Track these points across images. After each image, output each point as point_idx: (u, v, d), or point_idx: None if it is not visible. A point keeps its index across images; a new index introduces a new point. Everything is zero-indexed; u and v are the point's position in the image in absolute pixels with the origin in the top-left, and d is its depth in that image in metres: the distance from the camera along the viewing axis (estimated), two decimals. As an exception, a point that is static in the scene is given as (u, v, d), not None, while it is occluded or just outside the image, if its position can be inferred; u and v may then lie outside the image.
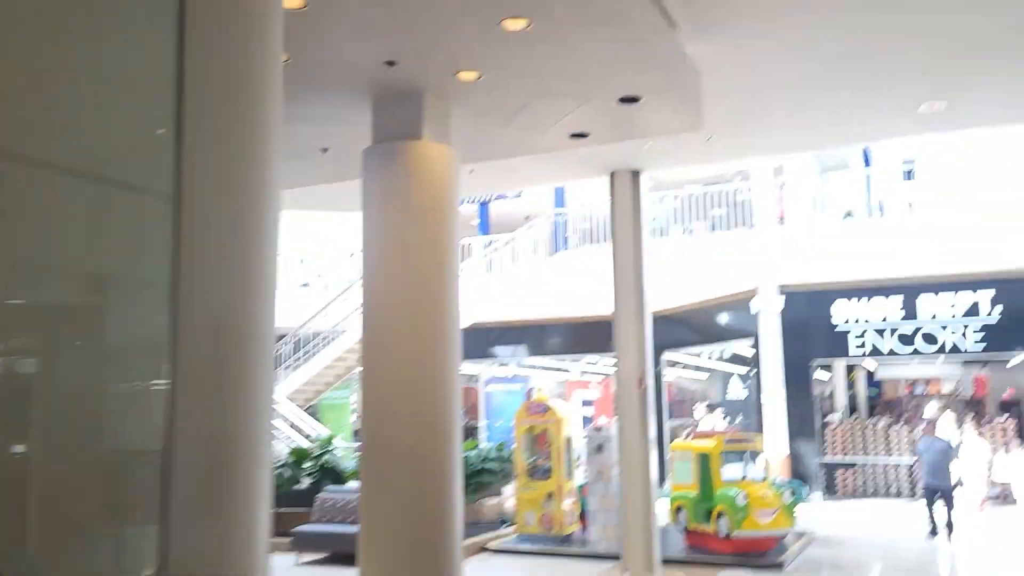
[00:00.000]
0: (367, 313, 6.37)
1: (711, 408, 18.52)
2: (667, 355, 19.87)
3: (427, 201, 6.22)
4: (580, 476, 11.79)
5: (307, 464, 12.49)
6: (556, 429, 11.46)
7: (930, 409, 15.31)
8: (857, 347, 16.25)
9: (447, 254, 6.30)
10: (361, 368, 6.45)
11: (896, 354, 16.09)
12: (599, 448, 11.03)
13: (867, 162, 22.46)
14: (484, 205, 22.23)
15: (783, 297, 16.28)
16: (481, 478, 12.54)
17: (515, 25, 5.29)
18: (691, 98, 6.57)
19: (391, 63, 5.86)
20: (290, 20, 3.80)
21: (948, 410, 15.20)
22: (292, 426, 17.01)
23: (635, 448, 9.52)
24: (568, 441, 11.57)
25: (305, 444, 15.65)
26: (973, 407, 21.02)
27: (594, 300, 18.12)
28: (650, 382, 9.61)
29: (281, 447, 14.48)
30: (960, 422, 15.36)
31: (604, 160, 9.22)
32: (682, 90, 6.37)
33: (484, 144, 7.57)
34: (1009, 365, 18.97)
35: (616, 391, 9.74)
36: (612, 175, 9.63)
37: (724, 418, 19.01)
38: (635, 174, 9.56)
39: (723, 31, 6.24)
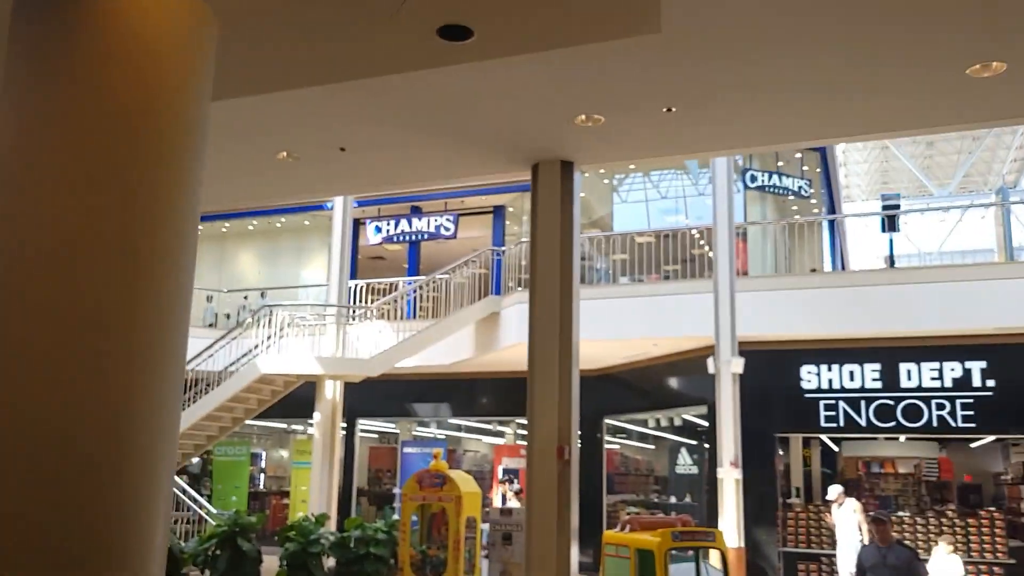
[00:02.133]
0: None
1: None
2: (608, 421, 17.12)
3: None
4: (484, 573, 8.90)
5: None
6: (456, 509, 8.57)
7: (832, 491, 12.89)
8: (828, 419, 13.65)
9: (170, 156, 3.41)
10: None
11: (877, 429, 13.49)
12: (507, 538, 8.17)
13: (832, 208, 20.21)
14: (414, 246, 19.55)
15: (742, 359, 13.68)
16: (364, 567, 9.58)
17: None
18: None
19: None
20: None
21: (850, 498, 12.87)
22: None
23: (550, 539, 6.73)
24: (471, 525, 8.70)
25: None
26: (935, 492, 18.59)
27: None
28: (576, 454, 6.88)
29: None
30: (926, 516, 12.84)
31: (525, 146, 6.63)
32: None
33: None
34: (974, 446, 16.58)
35: (529, 465, 6.96)
36: (535, 168, 7.01)
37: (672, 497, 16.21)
38: (566, 166, 6.94)
39: None
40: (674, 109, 5.89)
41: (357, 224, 19.85)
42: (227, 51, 4.56)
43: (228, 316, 20.13)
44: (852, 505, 12.68)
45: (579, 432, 7.15)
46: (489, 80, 5.46)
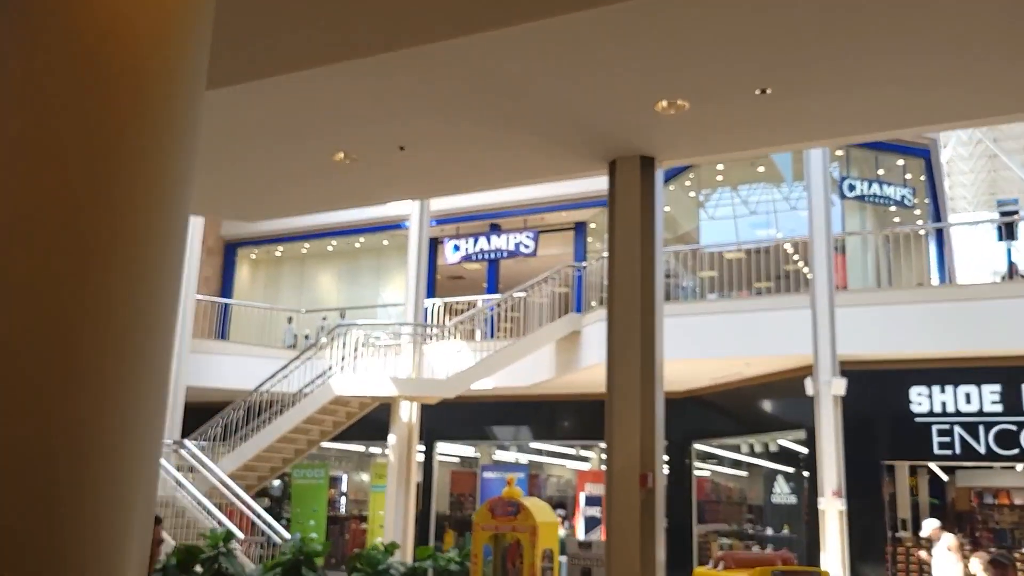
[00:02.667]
0: None
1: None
2: (697, 446, 16.15)
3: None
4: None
5: (197, 569, 9.09)
6: (531, 540, 7.89)
7: (926, 526, 11.43)
8: (942, 446, 12.40)
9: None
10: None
11: (998, 456, 12.19)
12: (587, 573, 7.42)
13: (937, 218, 18.86)
14: (493, 264, 19.04)
15: (843, 379, 12.59)
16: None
17: None
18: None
19: None
20: None
21: (947, 533, 11.24)
22: (232, 511, 13.56)
23: (632, 575, 5.97)
24: (548, 558, 7.99)
25: (241, 535, 12.22)
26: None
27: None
28: (662, 481, 6.12)
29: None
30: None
31: (600, 139, 5.96)
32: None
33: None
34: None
35: (608, 494, 6.22)
36: (612, 165, 6.33)
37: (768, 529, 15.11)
38: (646, 163, 6.24)
39: None
40: (769, 90, 5.14)
41: (435, 243, 19.47)
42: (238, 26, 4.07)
43: (307, 337, 19.97)
44: (947, 541, 11.18)
45: (665, 458, 6.38)
46: (559, 61, 4.84)
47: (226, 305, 19.89)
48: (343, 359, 14.33)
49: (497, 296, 15.93)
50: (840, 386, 12.33)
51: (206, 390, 17.02)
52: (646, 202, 6.19)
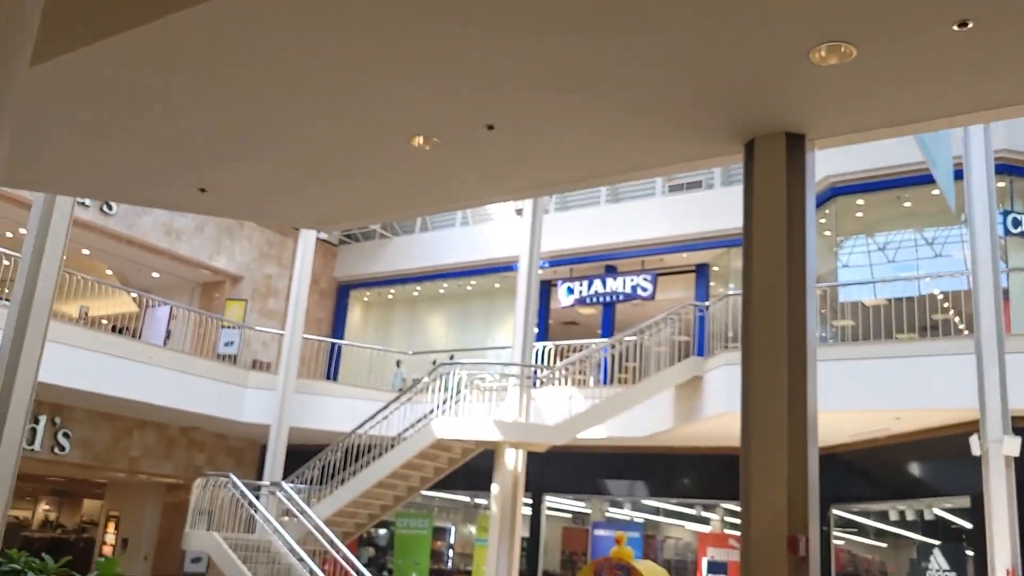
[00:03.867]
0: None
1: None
2: (836, 511, 14.11)
3: None
4: None
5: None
6: (644, 613, 6.44)
7: None
8: None
9: None
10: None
11: None
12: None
13: None
14: (608, 308, 17.71)
15: (1017, 438, 10.52)
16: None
17: None
18: None
19: None
20: None
21: None
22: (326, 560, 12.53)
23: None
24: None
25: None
26: None
27: (738, 427, 13.02)
28: (816, 547, 4.63)
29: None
30: None
31: (736, 107, 4.65)
32: None
33: None
34: None
35: (744, 561, 4.76)
36: (750, 147, 5.01)
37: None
38: (794, 142, 4.88)
39: None
40: (970, 24, 3.77)
41: (548, 286, 18.34)
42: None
43: (416, 381, 19.10)
44: None
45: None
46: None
47: (336, 346, 19.29)
48: (446, 402, 13.26)
49: (612, 339, 14.55)
50: (1014, 445, 10.27)
51: (311, 431, 16.28)
52: (795, 195, 4.80)
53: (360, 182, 5.62)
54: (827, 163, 13.94)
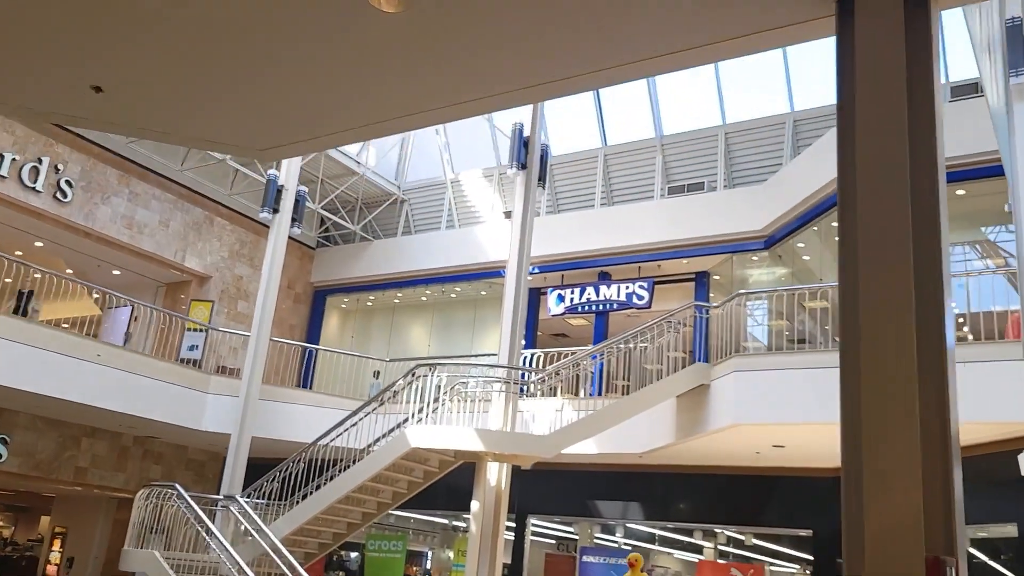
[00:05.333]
0: None
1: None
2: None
3: None
4: None
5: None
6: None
7: None
8: None
9: None
10: None
11: None
12: None
13: None
14: (601, 317, 16.12)
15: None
16: None
17: None
18: None
19: None
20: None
21: None
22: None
23: None
24: None
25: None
26: None
27: (747, 442, 11.45)
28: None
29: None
30: None
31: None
32: None
33: None
34: None
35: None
36: (844, 8, 3.45)
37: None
38: (912, 2, 3.34)
39: None
40: None
41: (537, 293, 16.75)
42: None
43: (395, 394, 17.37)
44: None
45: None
46: None
47: (310, 353, 17.57)
48: (422, 410, 11.57)
49: (602, 344, 12.92)
50: (1072, 466, 8.70)
51: (277, 443, 14.53)
52: (919, 75, 3.23)
53: (302, 79, 4.03)
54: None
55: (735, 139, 15.46)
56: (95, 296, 16.71)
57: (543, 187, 12.63)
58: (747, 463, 12.41)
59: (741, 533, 13.34)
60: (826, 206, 12.97)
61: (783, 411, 10.08)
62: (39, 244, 15.55)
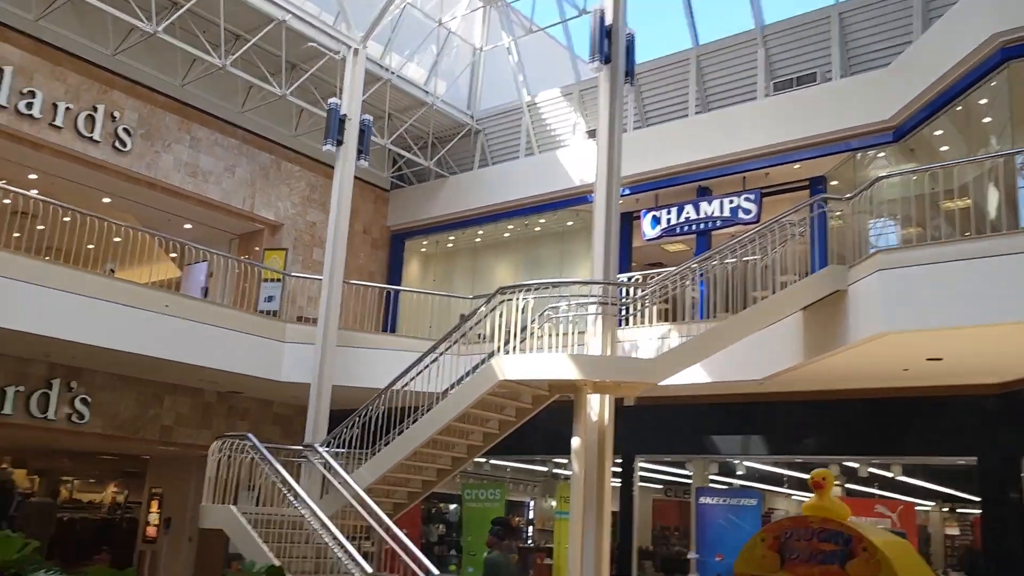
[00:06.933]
0: None
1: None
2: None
3: None
4: None
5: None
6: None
7: None
8: None
9: None
10: None
11: None
12: None
13: None
14: (703, 238, 14.17)
15: None
16: None
17: None
18: None
19: None
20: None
21: None
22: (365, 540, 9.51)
23: None
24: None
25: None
26: None
27: (895, 357, 9.48)
28: None
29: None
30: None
31: None
32: None
33: None
34: None
35: None
36: None
37: None
38: None
39: None
40: None
41: (630, 219, 14.93)
42: None
43: (479, 335, 15.95)
44: None
45: None
46: None
47: (392, 297, 16.35)
48: (508, 341, 10.01)
49: (706, 254, 10.96)
50: None
51: (360, 391, 13.30)
52: None
53: None
54: (995, 12, 10.21)
55: (851, 18, 13.17)
56: (172, 255, 15.86)
57: (630, 83, 10.77)
58: (893, 383, 10.45)
59: (885, 467, 11.39)
60: (970, 80, 10.70)
61: (943, 314, 8.10)
62: (107, 200, 14.69)
